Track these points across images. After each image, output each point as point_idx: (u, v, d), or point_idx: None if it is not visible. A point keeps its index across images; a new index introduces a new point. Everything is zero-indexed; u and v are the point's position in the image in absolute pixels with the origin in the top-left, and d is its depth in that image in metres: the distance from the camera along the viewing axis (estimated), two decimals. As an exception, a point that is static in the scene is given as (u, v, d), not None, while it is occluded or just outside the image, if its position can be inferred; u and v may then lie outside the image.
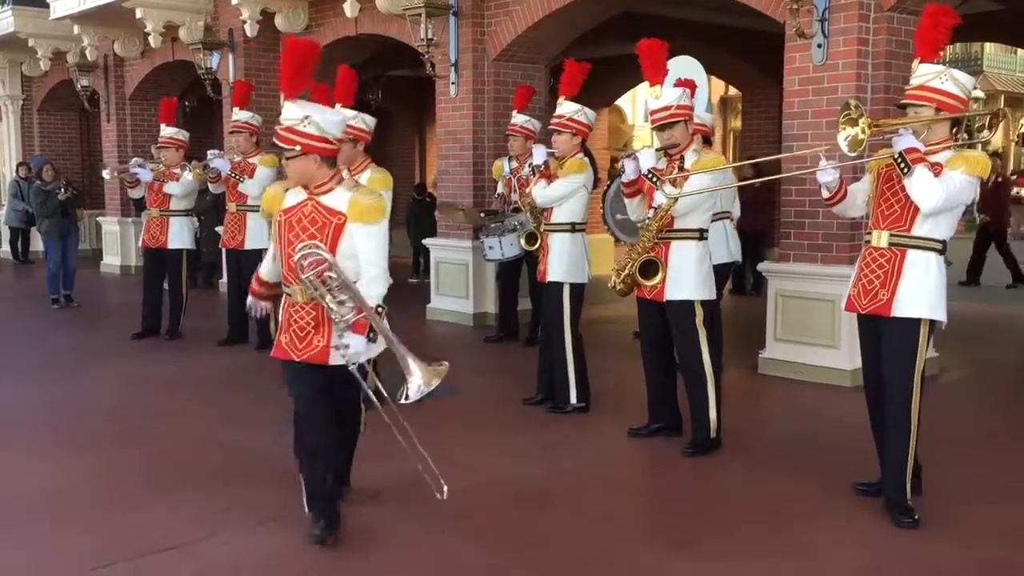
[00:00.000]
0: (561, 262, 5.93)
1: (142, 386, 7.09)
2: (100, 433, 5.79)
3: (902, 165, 4.03)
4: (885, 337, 4.25)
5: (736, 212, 7.31)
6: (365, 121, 5.83)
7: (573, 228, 5.99)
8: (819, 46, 6.71)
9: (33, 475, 5.02)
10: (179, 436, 5.70)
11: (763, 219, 11.20)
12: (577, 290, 6.03)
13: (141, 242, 8.81)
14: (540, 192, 5.94)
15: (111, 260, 14.75)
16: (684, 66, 5.55)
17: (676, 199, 4.98)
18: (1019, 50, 26.52)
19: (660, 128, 5.14)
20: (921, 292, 4.14)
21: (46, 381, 7.23)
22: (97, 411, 6.35)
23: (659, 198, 5.07)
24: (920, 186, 4.01)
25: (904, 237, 4.18)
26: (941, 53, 4.31)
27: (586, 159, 6.08)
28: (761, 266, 7.56)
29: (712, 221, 5.59)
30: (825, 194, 4.44)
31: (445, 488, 4.01)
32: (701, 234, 5.22)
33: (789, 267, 7.10)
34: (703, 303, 5.22)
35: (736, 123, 18.51)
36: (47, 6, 13.07)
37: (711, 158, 5.16)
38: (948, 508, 4.42)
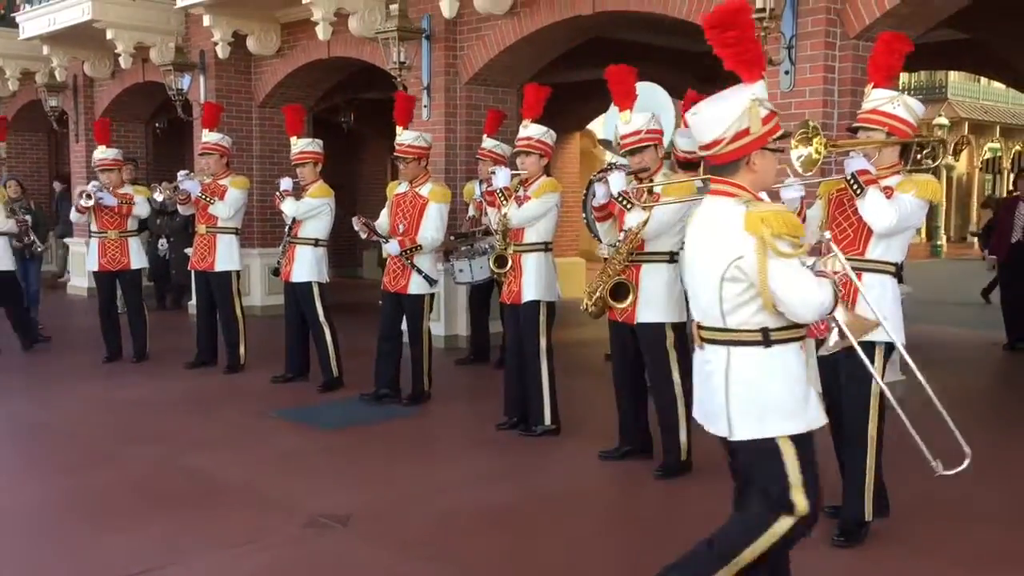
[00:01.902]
0: (538, 281, 5.96)
1: (108, 409, 7.00)
2: (63, 458, 5.70)
3: (855, 187, 4.07)
4: (843, 361, 4.26)
5: None
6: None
7: (546, 247, 6.03)
8: (786, 73, 6.81)
9: (-5, 500, 4.94)
10: (145, 461, 5.63)
11: None
12: (551, 308, 6.07)
13: (99, 266, 8.53)
14: (516, 213, 5.97)
15: (78, 282, 14.59)
16: (649, 92, 5.61)
17: (646, 222, 5.01)
18: (982, 78, 27.01)
19: (630, 152, 5.18)
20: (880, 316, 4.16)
21: (7, 404, 7.12)
22: (61, 435, 6.26)
23: (629, 221, 5.11)
24: (873, 207, 4.05)
25: (859, 261, 4.20)
26: (895, 79, 4.35)
27: (554, 179, 6.15)
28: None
29: None
30: None
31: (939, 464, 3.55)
32: (672, 257, 5.24)
33: (758, 290, 7.15)
34: (674, 325, 5.25)
35: (706, 148, 18.73)
36: (16, 26, 12.98)
37: (681, 182, 5.19)
38: (915, 530, 4.47)
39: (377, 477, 5.32)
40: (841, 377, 4.32)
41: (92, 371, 8.37)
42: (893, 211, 4.04)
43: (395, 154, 6.82)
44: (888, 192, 4.10)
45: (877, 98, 4.20)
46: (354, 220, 6.89)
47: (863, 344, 4.14)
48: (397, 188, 6.95)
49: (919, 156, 4.50)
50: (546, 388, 6.04)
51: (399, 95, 7.03)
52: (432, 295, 6.96)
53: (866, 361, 3.67)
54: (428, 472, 5.43)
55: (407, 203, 6.76)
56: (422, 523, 4.57)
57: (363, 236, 6.98)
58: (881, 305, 4.17)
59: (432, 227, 6.70)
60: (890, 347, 4.27)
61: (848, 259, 4.18)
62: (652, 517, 4.79)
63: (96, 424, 6.58)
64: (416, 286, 6.74)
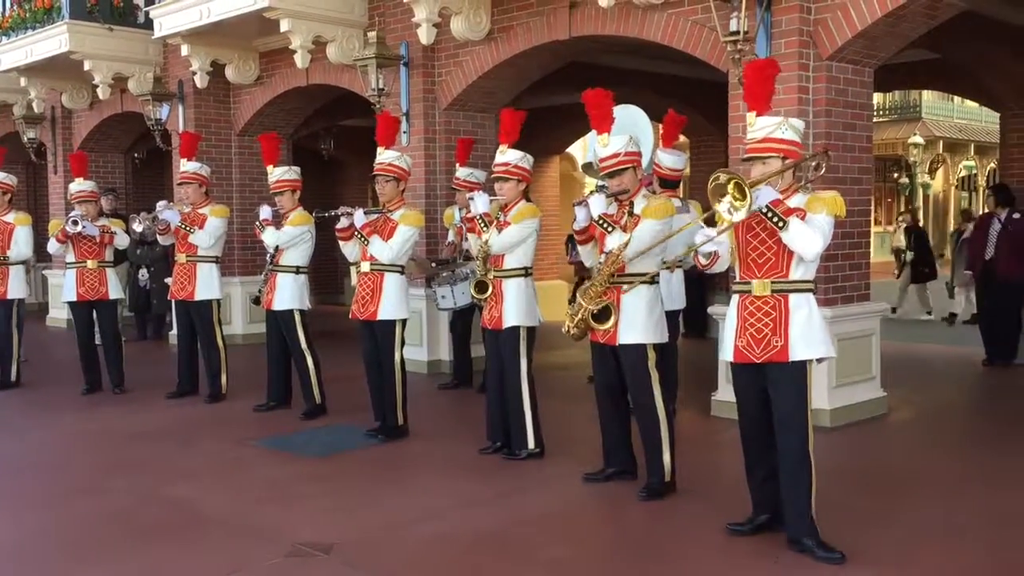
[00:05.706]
0: (519, 307, 5.96)
1: (88, 441, 6.93)
2: (44, 490, 5.64)
3: (775, 220, 4.18)
4: (778, 382, 4.35)
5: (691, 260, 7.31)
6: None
7: (526, 272, 6.04)
8: (762, 94, 6.86)
9: (-27, 535, 4.87)
10: (126, 492, 5.57)
11: None
12: (532, 333, 6.08)
13: (76, 295, 8.50)
14: (496, 239, 5.98)
15: (57, 314, 14.48)
16: (627, 114, 5.64)
17: (627, 244, 5.04)
18: (956, 97, 27.35)
19: (609, 175, 5.21)
20: (812, 333, 4.32)
21: (-12, 438, 7.05)
22: (41, 467, 6.19)
23: (610, 243, 5.13)
24: (800, 238, 4.18)
25: (784, 283, 4.34)
26: (770, 103, 4.48)
27: (533, 204, 6.15)
28: (711, 309, 7.65)
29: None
30: (703, 261, 4.48)
31: None
32: (653, 278, 5.27)
33: (739, 310, 7.17)
34: (655, 346, 5.26)
35: (686, 170, 18.93)
36: (-7, 59, 12.94)
37: (660, 203, 5.22)
38: (898, 547, 4.47)
39: (360, 504, 5.29)
40: (777, 398, 4.36)
41: (70, 402, 8.30)
42: (819, 236, 4.20)
43: (374, 173, 6.60)
44: (800, 214, 4.23)
45: (765, 126, 4.34)
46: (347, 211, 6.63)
47: (798, 362, 4.28)
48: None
49: (810, 175, 4.67)
50: (528, 412, 6.04)
51: (382, 116, 6.81)
52: (404, 321, 6.70)
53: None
54: (412, 498, 5.40)
55: (378, 226, 6.61)
56: (406, 550, 4.54)
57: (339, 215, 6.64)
58: (811, 323, 4.33)
59: (395, 243, 6.51)
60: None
61: (773, 282, 4.38)
62: (637, 539, 4.78)
63: (76, 456, 6.52)
64: (386, 311, 6.57)
